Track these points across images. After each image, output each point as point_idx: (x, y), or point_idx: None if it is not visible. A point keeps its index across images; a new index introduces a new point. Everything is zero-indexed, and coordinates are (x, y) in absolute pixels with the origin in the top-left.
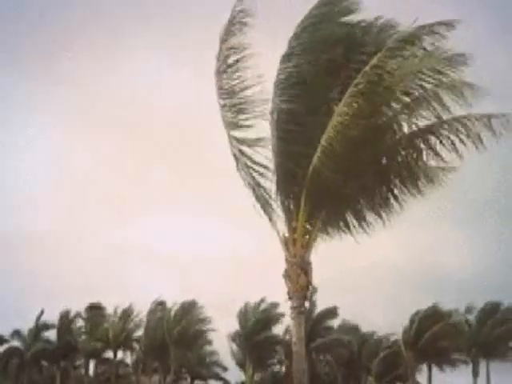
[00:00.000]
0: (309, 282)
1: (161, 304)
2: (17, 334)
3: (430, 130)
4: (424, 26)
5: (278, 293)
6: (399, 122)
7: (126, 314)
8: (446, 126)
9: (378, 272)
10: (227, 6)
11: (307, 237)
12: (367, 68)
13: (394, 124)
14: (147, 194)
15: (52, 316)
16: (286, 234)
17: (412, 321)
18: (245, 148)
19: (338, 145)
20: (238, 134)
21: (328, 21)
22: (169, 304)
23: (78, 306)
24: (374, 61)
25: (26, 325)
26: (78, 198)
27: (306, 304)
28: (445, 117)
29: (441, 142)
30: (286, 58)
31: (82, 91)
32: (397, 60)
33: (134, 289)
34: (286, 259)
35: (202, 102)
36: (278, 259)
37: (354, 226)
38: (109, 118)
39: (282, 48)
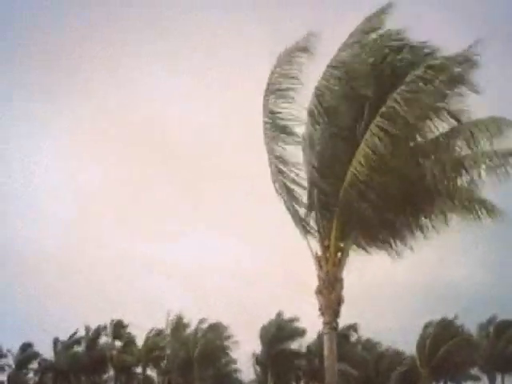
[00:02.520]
0: (340, 298)
1: (181, 320)
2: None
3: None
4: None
5: (292, 308)
6: (426, 150)
7: (153, 331)
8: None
9: (390, 288)
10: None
11: (339, 255)
12: (390, 102)
13: (420, 152)
14: (158, 209)
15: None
16: (319, 252)
17: (424, 335)
18: (282, 167)
19: (366, 169)
20: (278, 149)
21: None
22: (185, 317)
23: (97, 318)
24: (396, 95)
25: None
26: (89, 211)
27: (338, 320)
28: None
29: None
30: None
31: (93, 104)
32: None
33: (148, 301)
34: (318, 276)
35: (215, 115)
36: (291, 275)
37: (383, 246)
38: (120, 131)
39: None
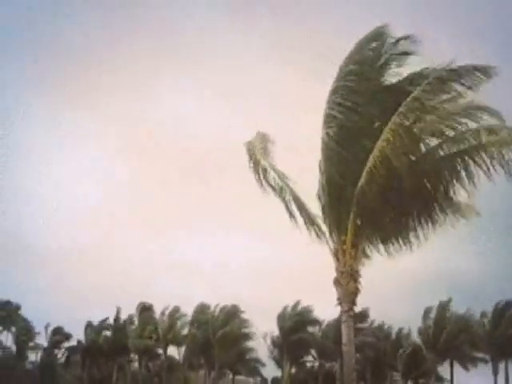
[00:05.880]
0: (357, 289)
1: (206, 308)
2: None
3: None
4: (462, 67)
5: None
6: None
7: (173, 313)
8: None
9: (400, 277)
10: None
11: (355, 248)
12: (408, 100)
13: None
14: (181, 210)
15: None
16: (337, 246)
17: (425, 318)
18: None
19: (382, 168)
20: None
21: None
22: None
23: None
24: (415, 93)
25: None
26: (117, 216)
27: (355, 308)
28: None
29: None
30: (335, 90)
31: (122, 123)
32: (434, 99)
33: (172, 295)
34: (336, 268)
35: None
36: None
37: (395, 240)
38: (144, 146)
39: None
